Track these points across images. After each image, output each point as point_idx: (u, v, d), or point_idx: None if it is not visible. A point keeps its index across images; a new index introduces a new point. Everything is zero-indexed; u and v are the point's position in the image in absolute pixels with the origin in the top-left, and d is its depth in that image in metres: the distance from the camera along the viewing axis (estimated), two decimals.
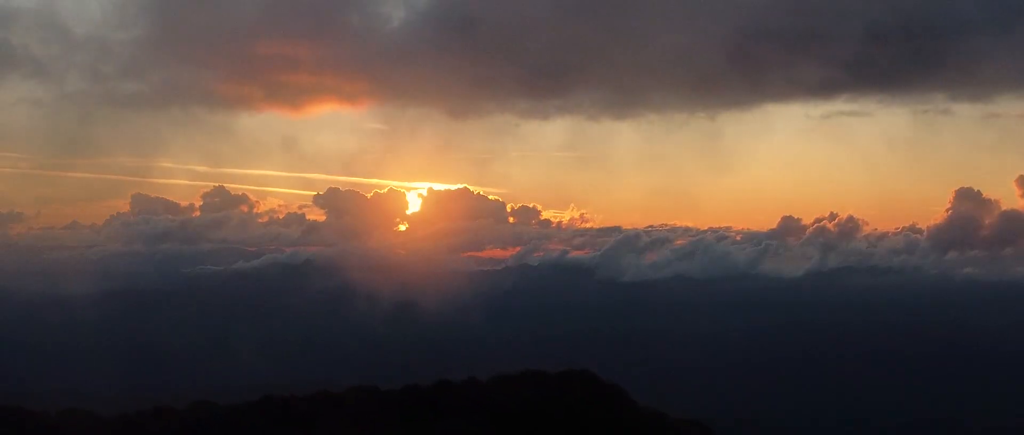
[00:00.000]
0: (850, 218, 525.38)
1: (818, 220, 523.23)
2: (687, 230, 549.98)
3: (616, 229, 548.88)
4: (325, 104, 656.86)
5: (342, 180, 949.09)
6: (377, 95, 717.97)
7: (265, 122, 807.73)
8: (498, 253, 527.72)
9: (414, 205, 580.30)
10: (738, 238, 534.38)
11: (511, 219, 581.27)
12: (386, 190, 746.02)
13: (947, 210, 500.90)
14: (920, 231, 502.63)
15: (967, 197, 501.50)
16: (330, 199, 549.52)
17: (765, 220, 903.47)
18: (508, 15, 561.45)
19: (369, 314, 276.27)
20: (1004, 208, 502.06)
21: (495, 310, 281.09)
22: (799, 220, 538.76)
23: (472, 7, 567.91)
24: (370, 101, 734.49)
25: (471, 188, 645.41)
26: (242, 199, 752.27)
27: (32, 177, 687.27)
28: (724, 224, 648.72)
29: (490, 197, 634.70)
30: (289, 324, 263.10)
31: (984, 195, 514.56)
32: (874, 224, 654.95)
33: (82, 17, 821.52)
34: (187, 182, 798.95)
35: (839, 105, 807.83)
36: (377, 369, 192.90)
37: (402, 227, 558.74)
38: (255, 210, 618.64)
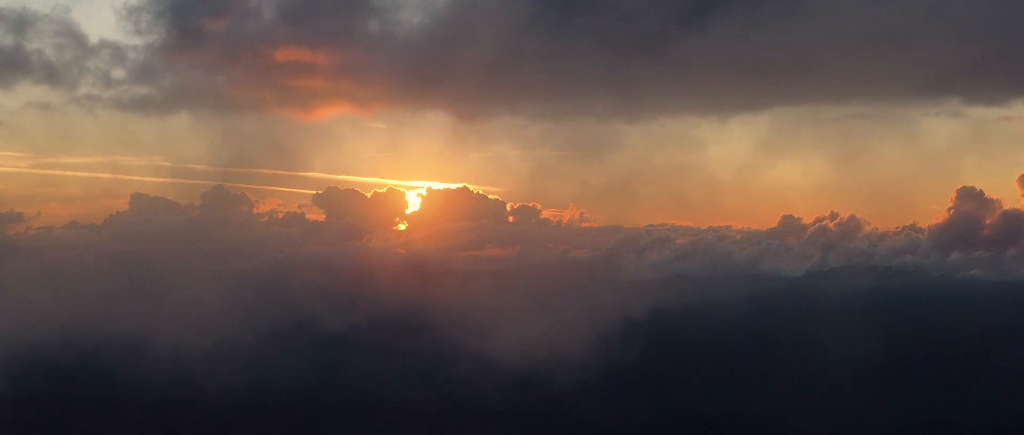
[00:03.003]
0: (851, 217, 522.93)
1: (819, 219, 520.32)
2: (688, 230, 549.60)
3: (616, 228, 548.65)
4: (334, 108, 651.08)
5: (341, 179, 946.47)
6: (387, 99, 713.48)
7: (269, 124, 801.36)
8: (498, 253, 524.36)
9: (414, 204, 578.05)
10: (738, 238, 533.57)
11: (511, 219, 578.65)
12: (385, 189, 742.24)
13: (949, 210, 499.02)
14: (921, 230, 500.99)
15: (969, 196, 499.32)
16: (329, 199, 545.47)
17: (765, 219, 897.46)
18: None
19: (372, 314, 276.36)
20: (1006, 208, 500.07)
21: (495, 310, 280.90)
22: (799, 219, 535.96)
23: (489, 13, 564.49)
24: (380, 105, 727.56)
25: (471, 187, 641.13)
26: (242, 199, 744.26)
27: (32, 177, 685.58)
28: (724, 223, 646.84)
29: (490, 197, 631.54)
30: (291, 325, 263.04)
31: (987, 195, 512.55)
32: (875, 223, 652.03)
33: (97, 22, 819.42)
34: (187, 182, 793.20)
35: (853, 108, 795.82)
36: (380, 371, 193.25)
37: (402, 226, 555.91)
38: (255, 210, 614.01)
